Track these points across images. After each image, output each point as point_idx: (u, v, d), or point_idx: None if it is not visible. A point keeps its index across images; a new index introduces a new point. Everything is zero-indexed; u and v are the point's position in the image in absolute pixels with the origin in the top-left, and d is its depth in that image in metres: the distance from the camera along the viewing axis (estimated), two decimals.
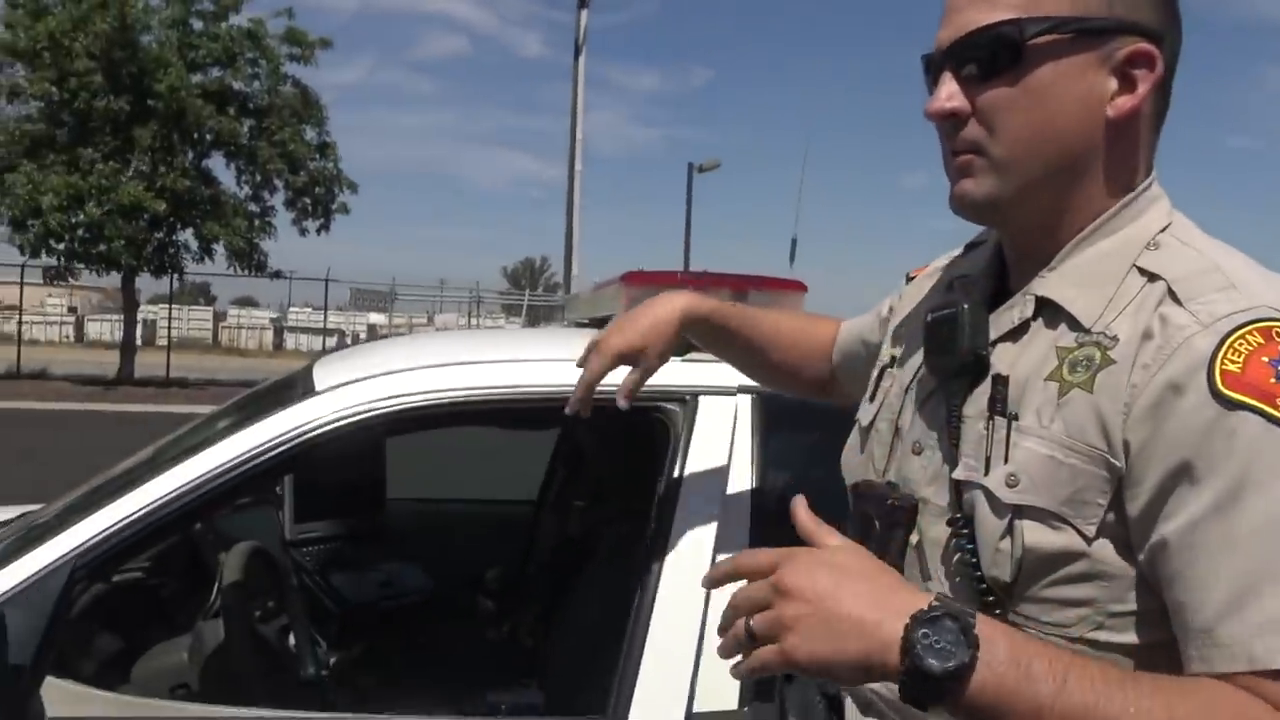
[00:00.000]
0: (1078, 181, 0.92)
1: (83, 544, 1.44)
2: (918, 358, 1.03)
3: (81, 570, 1.43)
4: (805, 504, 0.92)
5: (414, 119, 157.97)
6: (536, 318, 26.81)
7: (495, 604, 2.68)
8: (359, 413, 1.57)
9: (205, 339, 35.84)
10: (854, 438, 1.12)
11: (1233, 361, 0.80)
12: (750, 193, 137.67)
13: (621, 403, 1.32)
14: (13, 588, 1.39)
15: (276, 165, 17.87)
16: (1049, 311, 0.92)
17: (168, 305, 24.64)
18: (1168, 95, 0.95)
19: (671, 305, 1.33)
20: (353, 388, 1.61)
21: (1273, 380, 0.79)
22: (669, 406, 1.60)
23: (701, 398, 1.60)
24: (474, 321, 23.10)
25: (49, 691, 1.37)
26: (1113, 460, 0.84)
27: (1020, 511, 0.87)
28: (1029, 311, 0.93)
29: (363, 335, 39.72)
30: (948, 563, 0.94)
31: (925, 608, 0.79)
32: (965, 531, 0.91)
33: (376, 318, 41.04)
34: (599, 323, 2.00)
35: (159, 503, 1.46)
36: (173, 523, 1.53)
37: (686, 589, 1.45)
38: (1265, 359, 0.79)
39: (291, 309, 36.30)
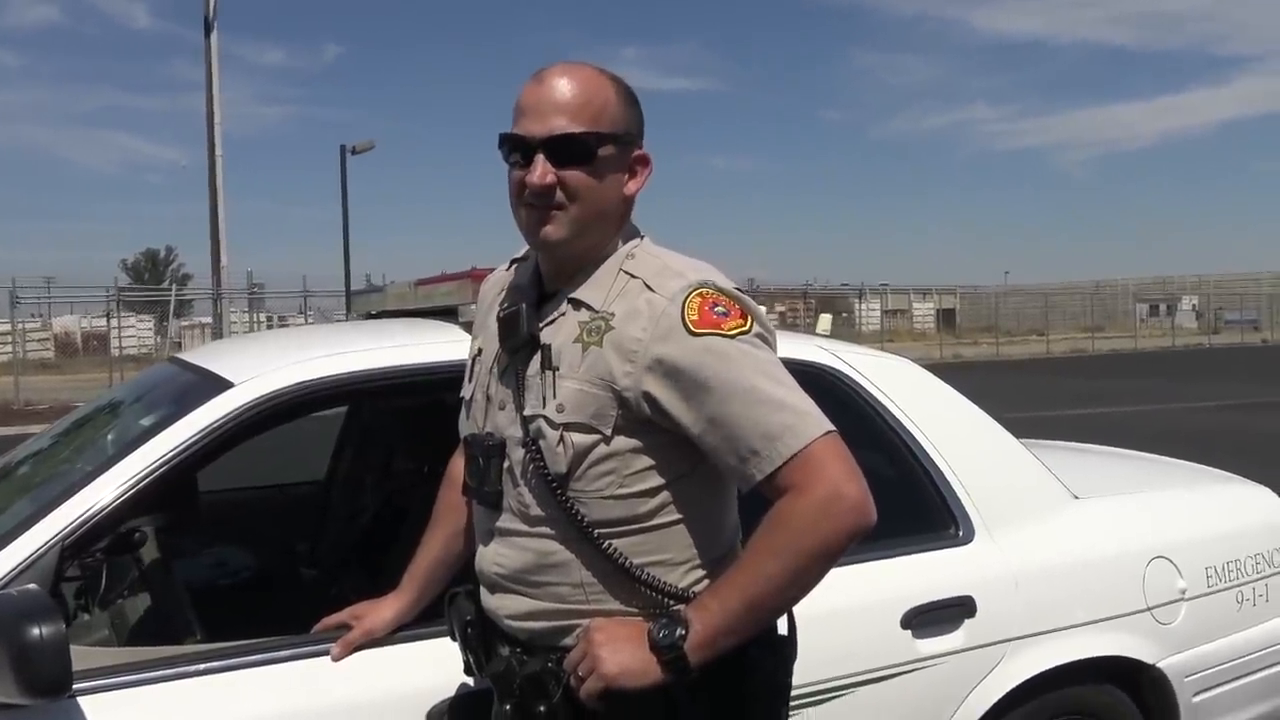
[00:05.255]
0: (603, 230, 1.46)
1: (65, 527, 1.68)
2: (494, 344, 1.52)
3: (69, 549, 1.67)
4: None
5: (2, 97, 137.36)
6: (166, 314, 24.93)
7: (319, 571, 2.98)
8: (278, 395, 1.91)
9: None
10: (463, 410, 1.59)
11: (690, 313, 1.38)
12: (410, 171, 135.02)
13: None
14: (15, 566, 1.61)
15: None
16: (574, 304, 1.45)
17: None
18: None
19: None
20: (268, 376, 1.93)
21: (714, 316, 1.38)
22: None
23: None
24: (112, 322, 21.18)
25: None
26: (615, 387, 1.38)
27: (568, 427, 1.39)
28: (563, 306, 1.46)
29: None
30: (526, 472, 1.43)
31: (652, 625, 1.34)
32: (535, 447, 1.41)
33: None
34: (438, 313, 2.37)
35: (122, 489, 1.74)
36: (132, 507, 1.78)
37: None
38: (706, 307, 1.38)
39: None
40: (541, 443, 1.41)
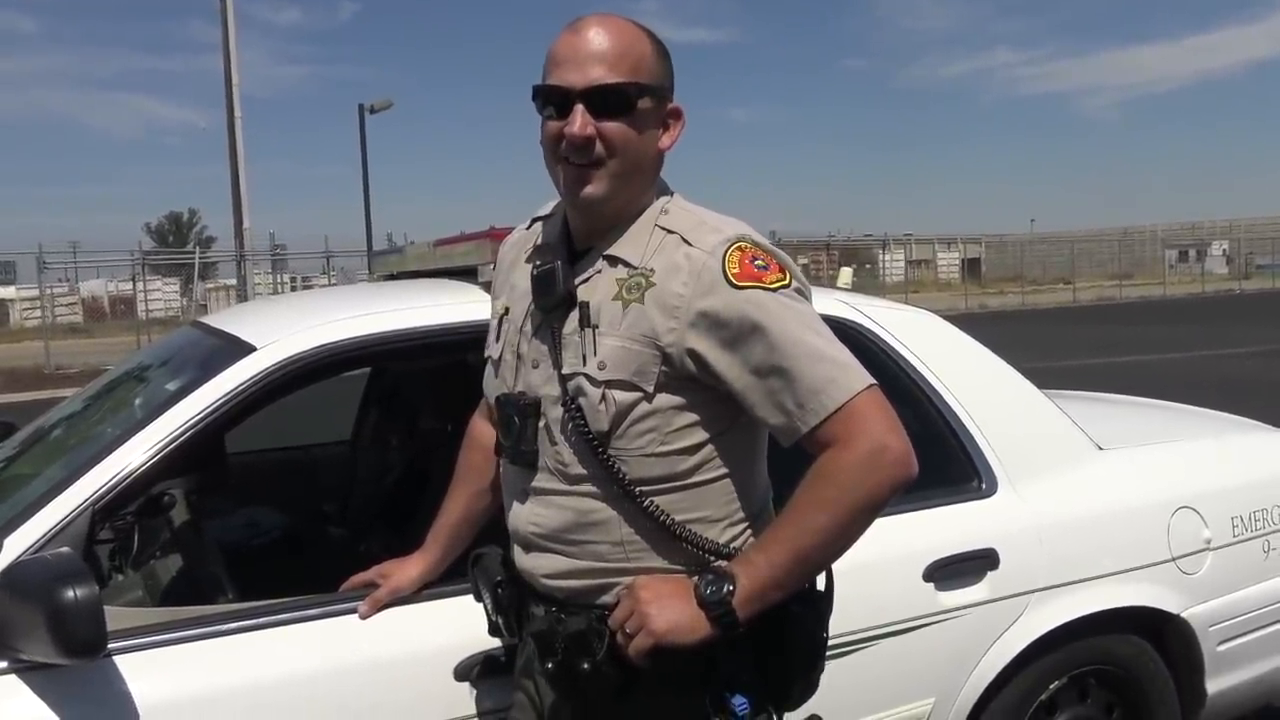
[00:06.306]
0: (639, 185, 1.45)
1: (95, 491, 1.71)
2: (524, 302, 1.51)
3: (100, 513, 1.70)
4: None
5: (16, 64, 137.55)
6: (191, 277, 25.06)
7: (347, 530, 3.02)
8: (301, 358, 1.92)
9: None
10: (489, 369, 1.59)
11: (732, 267, 1.38)
12: (429, 129, 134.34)
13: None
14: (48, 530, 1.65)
15: None
16: (610, 261, 1.44)
17: None
18: None
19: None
20: (291, 339, 1.95)
21: (755, 270, 1.38)
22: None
23: None
24: (137, 286, 21.34)
25: None
26: (658, 344, 1.38)
27: (610, 384, 1.39)
28: (599, 264, 1.45)
29: None
30: (565, 430, 1.43)
31: (698, 581, 1.35)
32: (575, 405, 1.41)
33: (3, 291, 36.66)
34: (457, 273, 2.38)
35: (150, 453, 1.76)
36: (161, 471, 1.81)
37: None
38: (746, 260, 1.39)
39: None
40: (582, 400, 1.40)
